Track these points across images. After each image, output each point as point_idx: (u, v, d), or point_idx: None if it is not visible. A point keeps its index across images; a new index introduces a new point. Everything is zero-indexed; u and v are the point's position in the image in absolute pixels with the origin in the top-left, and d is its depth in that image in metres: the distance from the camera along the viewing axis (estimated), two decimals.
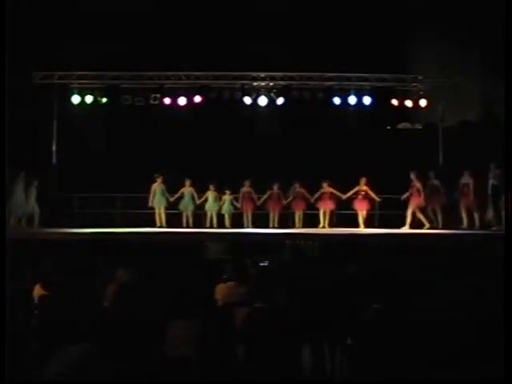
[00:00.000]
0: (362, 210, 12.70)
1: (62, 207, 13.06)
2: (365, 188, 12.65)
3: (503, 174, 10.56)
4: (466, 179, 11.95)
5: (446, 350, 3.05)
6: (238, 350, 3.17)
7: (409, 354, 3.06)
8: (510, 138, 5.88)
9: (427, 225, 12.06)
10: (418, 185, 12.18)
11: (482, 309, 3.52)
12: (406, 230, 11.99)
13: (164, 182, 12.78)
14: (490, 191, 11.57)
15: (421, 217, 12.18)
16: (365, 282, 4.57)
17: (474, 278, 4.45)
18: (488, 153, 11.62)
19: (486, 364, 2.99)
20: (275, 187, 12.87)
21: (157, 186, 12.77)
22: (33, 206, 12.37)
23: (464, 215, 11.94)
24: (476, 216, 11.86)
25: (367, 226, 12.62)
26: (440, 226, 12.05)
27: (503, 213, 10.50)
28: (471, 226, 11.85)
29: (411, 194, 12.24)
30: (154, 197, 12.71)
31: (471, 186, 11.88)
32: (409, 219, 12.16)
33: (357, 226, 12.60)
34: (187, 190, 12.91)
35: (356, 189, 12.66)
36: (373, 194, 12.66)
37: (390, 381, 2.98)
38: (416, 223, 12.15)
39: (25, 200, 12.02)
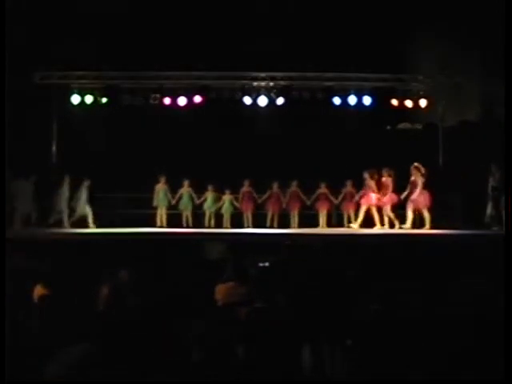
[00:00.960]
0: (349, 211, 12.76)
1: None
2: (351, 190, 12.70)
3: (503, 174, 10.57)
4: (414, 177, 11.76)
5: (446, 350, 3.05)
6: (238, 350, 3.16)
7: (408, 355, 3.06)
8: (510, 137, 5.89)
9: (378, 225, 12.04)
10: (371, 184, 12.11)
11: (482, 309, 3.52)
12: (355, 226, 12.16)
13: (167, 182, 12.83)
14: (490, 191, 11.56)
15: (375, 216, 12.15)
16: (365, 282, 4.57)
17: (474, 278, 4.45)
18: (488, 153, 11.61)
19: (486, 364, 2.99)
20: (275, 186, 12.88)
21: (160, 187, 12.82)
22: (84, 206, 12.33)
23: (410, 214, 11.76)
24: (426, 215, 11.71)
25: (360, 226, 12.67)
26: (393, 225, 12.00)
27: (503, 213, 10.50)
28: (421, 225, 11.71)
29: (364, 193, 12.24)
30: (157, 197, 12.77)
31: (420, 184, 11.70)
32: (377, 218, 12.16)
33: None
34: (185, 190, 12.95)
35: (344, 191, 12.76)
36: (357, 197, 12.69)
37: (390, 381, 2.98)
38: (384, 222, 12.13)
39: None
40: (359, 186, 12.78)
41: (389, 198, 12.01)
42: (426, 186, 11.74)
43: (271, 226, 12.84)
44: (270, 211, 12.93)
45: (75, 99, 13.44)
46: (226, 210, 13.03)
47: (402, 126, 15.40)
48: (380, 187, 12.15)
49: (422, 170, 11.78)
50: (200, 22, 13.18)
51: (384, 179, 12.11)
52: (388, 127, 15.52)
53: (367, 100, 13.51)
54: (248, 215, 13.05)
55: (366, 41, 13.03)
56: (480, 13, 12.10)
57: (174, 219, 12.96)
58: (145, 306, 3.76)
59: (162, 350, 2.92)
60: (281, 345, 3.20)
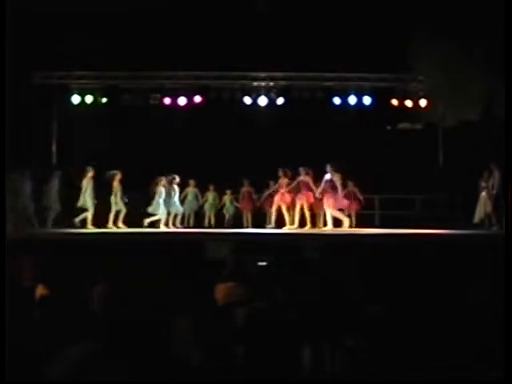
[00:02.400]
0: (350, 210, 12.75)
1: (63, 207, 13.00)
2: (353, 189, 12.71)
3: (503, 174, 10.57)
4: (331, 176, 11.61)
5: (446, 350, 3.06)
6: (238, 350, 3.17)
7: (409, 355, 3.06)
8: (510, 137, 5.89)
9: (291, 225, 11.89)
10: (284, 182, 12.01)
11: (482, 309, 3.52)
12: (292, 228, 11.85)
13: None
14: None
15: (285, 215, 12.06)
16: (365, 282, 4.57)
17: (474, 278, 4.45)
18: (488, 153, 11.61)
19: (486, 364, 3.00)
20: (271, 185, 12.93)
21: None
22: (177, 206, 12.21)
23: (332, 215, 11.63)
24: (329, 217, 11.59)
25: (359, 226, 12.67)
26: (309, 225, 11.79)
27: (503, 213, 10.50)
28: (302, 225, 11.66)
29: (277, 192, 12.17)
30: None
31: (339, 184, 11.56)
32: (273, 217, 12.13)
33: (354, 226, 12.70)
34: (191, 190, 12.96)
35: (345, 191, 12.73)
36: (360, 196, 12.74)
37: (391, 381, 2.98)
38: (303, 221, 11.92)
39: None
40: (355, 185, 12.81)
41: (304, 197, 11.75)
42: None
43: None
44: (268, 211, 12.99)
45: (75, 99, 13.45)
46: (227, 209, 13.05)
47: (401, 126, 15.40)
48: (299, 186, 11.87)
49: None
50: (200, 22, 13.16)
51: (302, 178, 11.85)
52: (388, 127, 15.53)
53: (367, 100, 13.52)
54: (248, 215, 13.06)
55: (366, 41, 13.02)
56: (480, 13, 12.08)
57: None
58: (145, 305, 3.76)
59: (162, 350, 2.92)
60: (281, 345, 3.20)
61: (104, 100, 13.61)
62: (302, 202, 11.71)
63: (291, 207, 11.94)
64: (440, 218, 12.32)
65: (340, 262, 5.61)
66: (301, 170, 11.84)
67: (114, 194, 11.76)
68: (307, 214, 11.73)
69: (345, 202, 11.68)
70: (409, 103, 13.63)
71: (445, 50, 12.70)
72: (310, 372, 3.39)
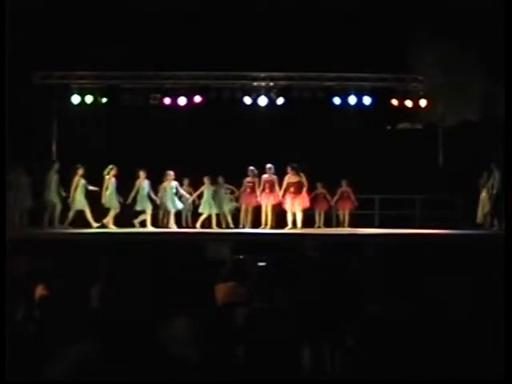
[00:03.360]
0: (344, 210, 12.83)
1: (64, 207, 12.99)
2: (347, 189, 12.78)
3: (503, 174, 10.58)
4: (297, 178, 11.72)
5: (446, 350, 3.06)
6: (238, 350, 3.17)
7: (409, 355, 3.06)
8: (510, 137, 5.90)
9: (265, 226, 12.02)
10: (255, 181, 12.14)
11: (482, 309, 3.52)
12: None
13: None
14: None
15: (248, 216, 12.21)
16: (365, 282, 4.57)
17: (474, 279, 4.45)
18: (488, 153, 11.61)
19: (486, 364, 3.00)
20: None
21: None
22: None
23: (298, 214, 11.74)
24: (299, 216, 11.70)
25: (352, 225, 12.76)
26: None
27: (503, 213, 10.51)
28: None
29: (244, 192, 12.28)
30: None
31: (304, 184, 11.72)
32: (249, 218, 12.31)
33: (351, 226, 12.77)
34: (185, 189, 12.95)
35: (340, 190, 12.82)
36: (352, 195, 12.81)
37: (391, 381, 2.98)
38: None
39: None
40: (355, 185, 12.85)
41: (269, 197, 11.89)
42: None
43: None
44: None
45: (75, 99, 13.43)
46: (227, 209, 13.02)
47: (401, 125, 15.39)
48: (264, 185, 12.00)
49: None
50: (200, 22, 13.17)
51: (267, 177, 11.97)
52: (388, 127, 15.52)
53: (367, 100, 13.51)
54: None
55: (366, 41, 13.01)
56: (480, 13, 12.08)
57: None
58: (144, 305, 3.76)
59: (162, 350, 2.92)
60: (281, 345, 3.20)
61: (104, 100, 13.60)
62: (266, 202, 11.86)
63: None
64: (440, 218, 12.31)
65: (340, 262, 5.61)
66: (267, 168, 11.98)
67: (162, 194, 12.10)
68: (269, 214, 11.88)
69: (306, 203, 11.77)
70: (409, 103, 13.62)
71: (445, 49, 12.68)
72: (310, 372, 3.39)
